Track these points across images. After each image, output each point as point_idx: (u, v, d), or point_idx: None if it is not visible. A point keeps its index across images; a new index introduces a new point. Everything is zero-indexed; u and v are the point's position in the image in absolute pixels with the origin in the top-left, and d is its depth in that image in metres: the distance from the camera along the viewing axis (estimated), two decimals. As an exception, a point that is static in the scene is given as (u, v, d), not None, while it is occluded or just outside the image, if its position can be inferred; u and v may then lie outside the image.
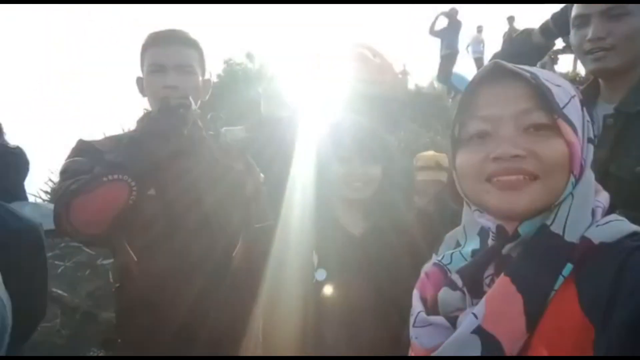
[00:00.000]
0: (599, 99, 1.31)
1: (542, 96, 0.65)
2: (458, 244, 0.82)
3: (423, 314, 0.71)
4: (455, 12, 9.84)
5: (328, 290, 1.26)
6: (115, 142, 1.45)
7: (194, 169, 1.44)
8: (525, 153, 0.64)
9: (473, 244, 0.79)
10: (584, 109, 0.70)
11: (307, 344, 1.23)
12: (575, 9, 1.27)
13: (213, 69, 8.24)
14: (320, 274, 1.28)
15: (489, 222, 0.72)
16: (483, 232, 0.78)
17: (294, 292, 1.27)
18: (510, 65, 0.68)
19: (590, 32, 1.21)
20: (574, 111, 0.67)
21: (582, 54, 1.27)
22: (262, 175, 1.62)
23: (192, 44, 1.47)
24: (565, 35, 1.49)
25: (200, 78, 1.49)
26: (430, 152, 2.72)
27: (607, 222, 0.63)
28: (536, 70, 0.69)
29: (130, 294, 1.39)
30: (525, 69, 0.68)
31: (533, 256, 0.63)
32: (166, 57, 1.41)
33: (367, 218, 1.37)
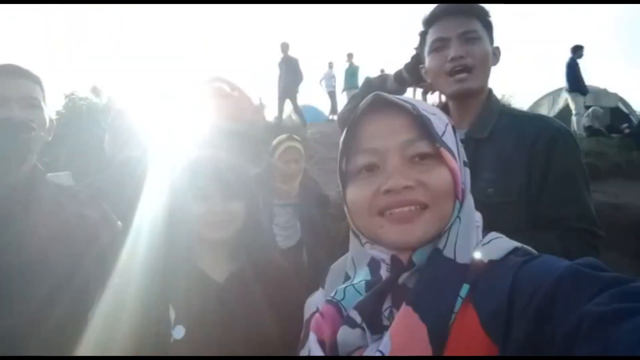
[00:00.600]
0: None
1: (423, 126, 0.68)
2: (347, 277, 0.82)
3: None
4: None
5: (185, 349, 1.11)
6: None
7: (35, 223, 1.28)
8: (414, 183, 0.66)
9: (363, 275, 0.79)
10: (456, 134, 0.75)
11: None
12: (434, 33, 1.38)
13: (52, 104, 7.39)
14: (178, 332, 1.12)
15: (382, 254, 0.72)
16: (373, 263, 0.78)
17: (148, 353, 1.10)
18: (390, 97, 0.70)
19: (452, 52, 1.33)
20: (450, 138, 0.71)
21: (443, 75, 1.37)
22: (119, 223, 1.48)
23: (36, 79, 1.39)
24: (417, 83, 1.62)
25: (46, 115, 1.39)
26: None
27: (490, 241, 0.68)
28: (413, 101, 0.72)
29: None
30: (404, 99, 0.70)
31: (430, 282, 0.64)
32: (8, 89, 1.30)
33: (231, 261, 1.28)
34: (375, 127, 0.71)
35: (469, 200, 0.71)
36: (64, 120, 7.11)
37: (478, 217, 0.73)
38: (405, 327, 0.61)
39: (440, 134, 0.69)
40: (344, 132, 0.74)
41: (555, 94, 10.96)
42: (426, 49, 1.42)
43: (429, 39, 1.40)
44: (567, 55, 8.86)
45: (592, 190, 1.34)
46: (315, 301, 0.85)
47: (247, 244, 1.29)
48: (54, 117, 1.48)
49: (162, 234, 1.25)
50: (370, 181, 0.70)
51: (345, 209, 0.75)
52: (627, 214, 4.82)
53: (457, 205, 0.68)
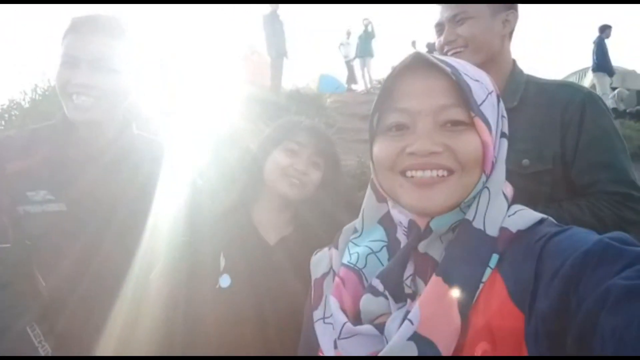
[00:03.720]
0: None
1: (461, 93, 0.66)
2: (355, 230, 0.83)
3: (349, 325, 0.68)
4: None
5: (228, 298, 1.20)
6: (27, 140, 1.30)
7: (114, 180, 1.30)
8: (442, 149, 0.65)
9: (374, 234, 0.79)
10: (500, 104, 0.73)
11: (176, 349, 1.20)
12: (436, 18, 1.44)
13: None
14: (225, 280, 1.22)
15: (401, 216, 0.73)
16: (387, 222, 0.79)
17: (195, 295, 1.21)
18: (431, 57, 0.68)
19: (443, 37, 1.40)
20: (490, 108, 0.69)
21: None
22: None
23: (118, 34, 1.26)
24: None
25: (127, 77, 1.29)
26: None
27: (515, 212, 0.68)
28: (457, 63, 0.70)
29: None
30: (446, 62, 0.68)
31: (460, 253, 0.64)
32: (79, 48, 1.21)
33: (286, 226, 1.34)
34: (412, 87, 0.69)
35: (500, 171, 0.70)
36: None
37: (509, 189, 0.72)
38: (435, 297, 0.61)
39: (479, 102, 0.66)
40: (381, 87, 0.72)
41: (581, 73, 10.70)
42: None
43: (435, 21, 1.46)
44: (595, 34, 8.57)
45: None
46: (326, 261, 0.85)
47: (309, 213, 1.33)
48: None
49: (216, 180, 1.36)
50: (398, 140, 0.69)
51: (370, 163, 0.76)
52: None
53: (483, 177, 0.66)
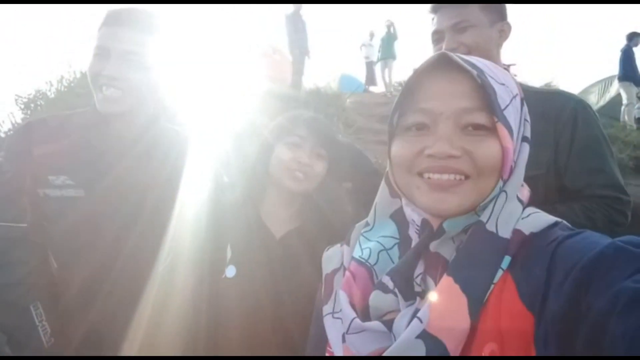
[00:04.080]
0: None
1: (485, 96, 0.65)
2: (367, 224, 0.83)
3: (358, 321, 0.69)
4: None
5: (233, 288, 1.22)
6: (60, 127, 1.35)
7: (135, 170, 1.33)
8: (460, 153, 0.65)
9: (385, 230, 0.80)
10: (523, 108, 0.72)
11: (199, 339, 1.21)
12: (433, 25, 1.48)
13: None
14: (230, 271, 1.24)
15: (414, 214, 0.73)
16: (399, 218, 0.79)
17: (200, 285, 1.23)
18: (457, 58, 0.67)
19: (444, 45, 1.42)
20: (514, 112, 0.68)
21: None
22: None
23: (146, 27, 1.28)
24: None
25: (156, 72, 1.31)
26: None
27: (529, 215, 0.67)
28: (482, 64, 0.69)
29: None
30: (472, 63, 0.67)
31: (472, 254, 0.64)
32: (110, 39, 1.24)
33: (294, 220, 1.35)
34: (436, 88, 0.68)
35: (518, 175, 0.70)
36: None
37: (525, 191, 0.72)
38: (446, 297, 0.62)
39: (503, 106, 0.66)
40: (404, 85, 0.72)
41: (607, 81, 10.45)
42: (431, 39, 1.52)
43: (431, 29, 1.50)
44: (623, 42, 8.40)
45: (638, 184, 1.34)
46: (337, 257, 0.86)
47: (314, 206, 1.35)
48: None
49: (228, 174, 1.37)
50: (417, 140, 0.69)
51: (388, 161, 0.75)
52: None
53: (500, 183, 0.66)
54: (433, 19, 1.49)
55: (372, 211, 0.83)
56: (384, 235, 0.79)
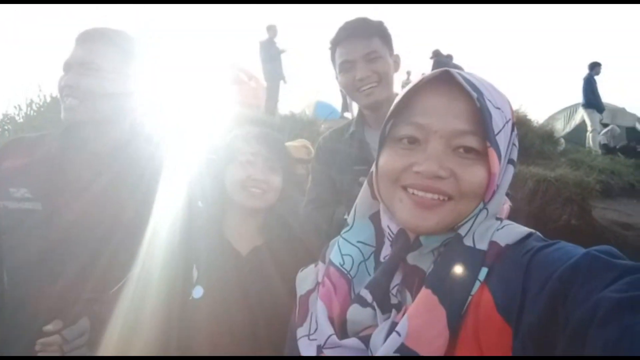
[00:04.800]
0: (367, 127, 1.69)
1: (481, 119, 0.65)
2: (346, 225, 0.84)
3: (335, 338, 0.69)
4: None
5: (201, 309, 1.19)
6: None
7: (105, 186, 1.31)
8: (448, 174, 0.65)
9: (364, 232, 0.80)
10: (514, 132, 0.72)
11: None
12: (341, 55, 1.60)
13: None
14: (197, 291, 1.21)
15: (391, 223, 0.73)
16: (377, 221, 0.79)
17: (166, 307, 1.19)
18: (460, 77, 0.66)
19: (358, 74, 1.55)
20: (504, 137, 0.68)
21: (354, 91, 1.60)
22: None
23: (107, 41, 1.32)
24: None
25: (113, 81, 1.31)
26: (298, 142, 2.74)
27: (503, 226, 0.68)
28: (482, 86, 0.68)
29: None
30: (473, 84, 0.67)
31: (450, 266, 0.64)
32: (72, 55, 1.30)
33: (258, 235, 1.34)
34: (433, 103, 0.68)
35: (500, 196, 0.70)
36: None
37: (506, 206, 0.73)
38: (424, 309, 0.61)
39: (496, 131, 0.66)
40: (400, 95, 0.72)
41: (572, 109, 10.89)
42: (336, 67, 1.65)
43: (338, 59, 1.62)
44: (585, 71, 8.78)
45: (604, 207, 1.36)
46: (311, 277, 0.85)
47: (277, 220, 1.35)
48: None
49: (195, 197, 1.34)
50: (406, 153, 0.69)
51: (374, 169, 0.76)
52: (639, 233, 4.78)
53: (481, 206, 0.67)
54: (336, 51, 1.62)
55: (352, 211, 0.83)
56: (362, 242, 0.79)
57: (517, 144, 0.74)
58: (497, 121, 0.67)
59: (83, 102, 1.27)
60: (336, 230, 1.56)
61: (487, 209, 0.68)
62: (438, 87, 0.68)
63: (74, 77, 1.27)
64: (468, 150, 0.66)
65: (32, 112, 6.07)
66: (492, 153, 0.65)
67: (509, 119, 0.70)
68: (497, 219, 0.70)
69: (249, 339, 1.19)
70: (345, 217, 1.56)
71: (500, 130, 0.67)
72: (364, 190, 0.81)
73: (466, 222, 0.67)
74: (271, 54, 8.65)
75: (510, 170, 0.72)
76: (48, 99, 6.32)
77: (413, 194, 0.67)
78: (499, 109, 0.68)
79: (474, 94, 0.65)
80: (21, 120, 5.91)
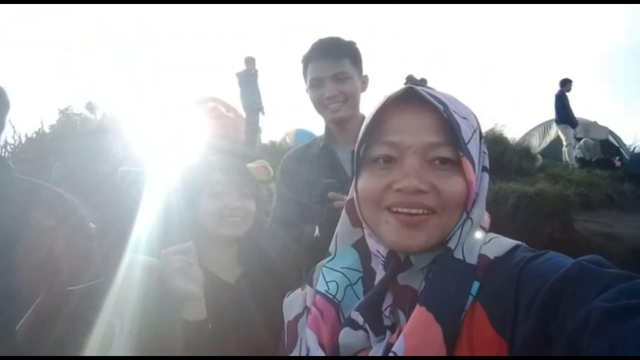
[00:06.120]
0: (333, 142, 1.77)
1: (451, 130, 0.66)
2: (328, 253, 0.83)
3: None
4: None
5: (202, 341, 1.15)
6: None
7: None
8: (428, 188, 0.65)
9: (347, 259, 0.79)
10: (482, 140, 0.74)
11: None
12: (312, 72, 1.69)
13: (46, 119, 7.45)
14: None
15: (379, 246, 0.73)
16: (361, 248, 0.79)
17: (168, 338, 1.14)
18: (423, 92, 0.68)
19: (326, 92, 1.65)
20: (475, 145, 0.70)
21: (321, 107, 1.71)
22: (92, 227, 1.45)
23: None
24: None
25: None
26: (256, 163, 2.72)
27: (490, 240, 0.68)
28: (446, 99, 0.70)
29: None
30: (437, 97, 0.68)
31: (443, 282, 0.64)
32: None
33: (240, 261, 1.34)
34: (403, 121, 0.69)
35: (481, 203, 0.71)
36: (57, 135, 7.15)
37: (487, 217, 0.74)
38: (420, 328, 0.61)
39: (466, 140, 0.68)
40: (369, 117, 0.72)
41: (547, 125, 11.18)
42: (307, 82, 1.74)
43: (308, 75, 1.71)
44: (556, 88, 9.05)
45: (585, 219, 1.37)
46: (299, 302, 0.84)
47: (252, 246, 1.35)
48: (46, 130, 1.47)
49: (167, 235, 1.29)
50: (384, 173, 0.69)
51: (354, 194, 0.75)
52: (622, 244, 4.88)
53: (464, 216, 0.68)
54: (307, 67, 1.71)
55: (333, 241, 0.83)
56: (347, 267, 0.78)
57: (486, 151, 0.75)
58: (466, 130, 0.68)
59: None
60: (306, 250, 1.58)
61: (471, 219, 0.68)
62: (404, 104, 0.69)
63: None
64: (443, 161, 0.67)
65: (6, 153, 6.00)
66: (465, 162, 0.66)
67: (476, 128, 0.72)
68: (482, 227, 0.71)
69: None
70: (316, 234, 1.58)
71: (470, 139, 0.69)
72: (343, 219, 0.81)
73: (453, 234, 0.67)
74: (249, 83, 8.69)
75: (486, 177, 0.73)
76: (23, 140, 6.24)
77: (398, 211, 0.67)
78: (465, 118, 0.70)
79: (440, 107, 0.66)
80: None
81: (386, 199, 0.68)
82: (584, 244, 4.95)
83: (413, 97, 0.69)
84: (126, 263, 1.23)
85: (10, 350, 1.21)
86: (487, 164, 0.74)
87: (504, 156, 7.80)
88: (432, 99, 0.67)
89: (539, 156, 9.06)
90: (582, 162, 9.02)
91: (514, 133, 10.37)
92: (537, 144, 10.95)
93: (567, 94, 9.03)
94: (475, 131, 0.71)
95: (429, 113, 0.68)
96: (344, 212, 0.82)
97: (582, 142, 9.50)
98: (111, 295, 1.21)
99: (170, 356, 1.12)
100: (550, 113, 9.72)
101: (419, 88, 0.68)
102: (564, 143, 9.30)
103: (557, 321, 0.51)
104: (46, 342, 1.26)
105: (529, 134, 11.61)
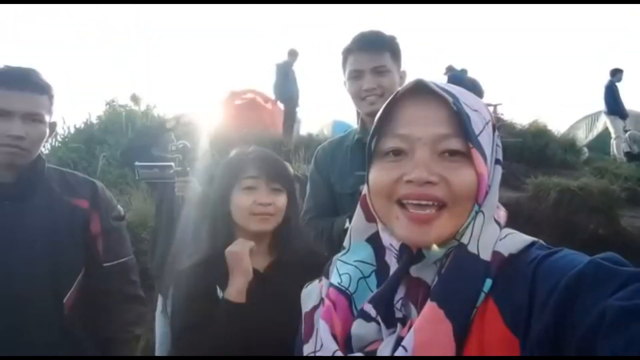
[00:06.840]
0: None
1: (460, 122, 0.66)
2: (342, 247, 0.83)
3: (340, 354, 0.69)
4: None
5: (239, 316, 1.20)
6: None
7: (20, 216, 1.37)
8: (438, 179, 0.65)
9: (361, 253, 0.80)
10: (495, 133, 0.73)
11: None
12: (351, 64, 1.71)
13: (93, 110, 7.75)
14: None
15: (392, 239, 0.73)
16: (376, 242, 0.79)
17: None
18: (433, 85, 0.68)
19: (365, 84, 1.67)
20: (487, 137, 0.70)
21: (359, 100, 1.72)
22: (120, 209, 1.61)
23: (43, 89, 1.37)
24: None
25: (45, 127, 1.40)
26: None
27: (506, 235, 0.68)
28: (457, 91, 0.70)
29: None
30: (447, 90, 0.69)
31: (455, 278, 0.64)
32: (13, 103, 1.31)
33: (271, 252, 1.36)
34: (412, 114, 0.70)
35: (493, 196, 0.70)
36: (103, 126, 7.46)
37: (502, 212, 0.73)
38: (431, 323, 0.61)
39: (477, 132, 0.67)
40: (380, 111, 0.73)
41: (594, 116, 10.71)
42: (346, 74, 1.76)
43: (348, 67, 1.73)
44: (607, 78, 8.66)
45: (632, 215, 1.32)
46: (315, 293, 0.85)
47: (287, 236, 1.36)
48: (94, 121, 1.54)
49: (206, 226, 1.37)
50: (395, 166, 0.69)
51: (366, 187, 0.76)
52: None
53: (476, 208, 0.67)
54: (347, 59, 1.73)
55: (347, 236, 0.83)
56: (361, 260, 0.79)
57: (500, 144, 0.74)
58: (477, 122, 0.68)
59: None
60: (337, 240, 1.60)
61: (482, 212, 0.67)
62: (414, 97, 0.70)
63: (22, 128, 1.31)
64: (453, 153, 0.67)
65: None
66: (475, 153, 0.66)
67: (488, 120, 0.72)
68: (496, 222, 0.70)
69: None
70: (347, 226, 1.58)
71: (481, 132, 0.68)
72: (358, 214, 0.82)
73: (465, 228, 0.67)
74: (288, 75, 8.74)
75: (499, 170, 0.72)
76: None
77: (408, 204, 0.67)
78: (476, 111, 0.70)
79: (450, 99, 0.67)
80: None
81: (397, 192, 0.68)
82: (629, 241, 4.76)
83: (423, 90, 0.69)
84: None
85: (59, 320, 1.36)
86: (500, 156, 0.73)
87: (547, 149, 7.55)
88: (441, 91, 0.67)
89: (585, 149, 8.72)
90: (630, 156, 8.61)
91: (558, 125, 10.01)
92: (584, 137, 10.53)
93: (618, 84, 8.65)
94: (487, 123, 0.71)
95: (439, 105, 0.68)
96: (358, 207, 0.82)
97: (627, 134, 9.05)
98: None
99: (170, 356, 1.16)
100: (599, 104, 9.33)
101: (428, 81, 0.69)
102: (613, 136, 8.91)
103: (571, 319, 0.51)
104: (88, 315, 1.42)
105: (575, 126, 11.17)
